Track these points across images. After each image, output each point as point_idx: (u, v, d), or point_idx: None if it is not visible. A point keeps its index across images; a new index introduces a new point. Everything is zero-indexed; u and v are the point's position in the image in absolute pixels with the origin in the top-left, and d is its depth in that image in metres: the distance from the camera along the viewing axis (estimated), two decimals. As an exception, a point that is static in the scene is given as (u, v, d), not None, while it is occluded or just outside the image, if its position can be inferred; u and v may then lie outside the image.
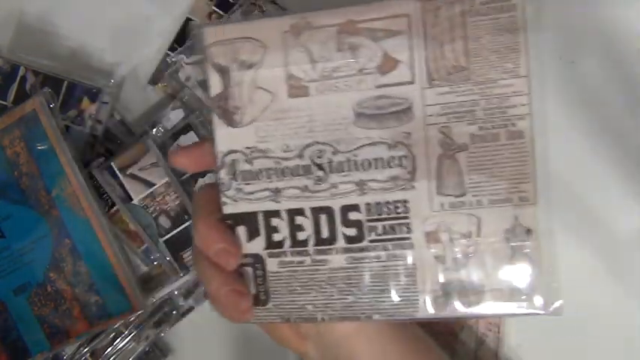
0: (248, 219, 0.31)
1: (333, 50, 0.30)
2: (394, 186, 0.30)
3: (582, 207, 0.45)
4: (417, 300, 0.30)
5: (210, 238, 0.31)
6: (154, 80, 0.49)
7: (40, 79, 0.48)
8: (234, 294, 0.31)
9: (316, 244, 0.31)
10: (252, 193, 0.31)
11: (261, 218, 0.31)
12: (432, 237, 0.30)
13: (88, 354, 0.48)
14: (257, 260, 0.31)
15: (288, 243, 0.31)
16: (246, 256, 0.31)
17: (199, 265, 0.32)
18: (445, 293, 0.30)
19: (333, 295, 0.31)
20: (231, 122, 0.31)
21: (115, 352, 0.48)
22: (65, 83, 0.48)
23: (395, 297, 0.30)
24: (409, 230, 0.30)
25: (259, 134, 0.31)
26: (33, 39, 0.50)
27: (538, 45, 0.29)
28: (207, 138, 0.33)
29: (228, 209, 0.31)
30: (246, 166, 0.31)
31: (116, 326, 0.47)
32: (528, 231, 0.30)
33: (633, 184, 0.44)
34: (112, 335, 0.48)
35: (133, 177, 0.47)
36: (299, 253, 0.31)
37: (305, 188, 0.31)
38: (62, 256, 0.46)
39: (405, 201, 0.30)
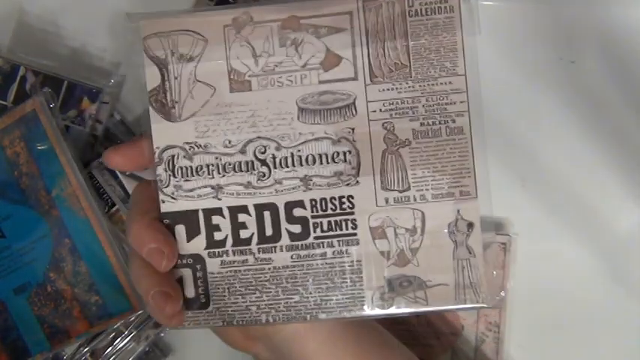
0: (187, 217, 0.30)
1: (276, 45, 0.30)
2: (339, 181, 0.30)
3: (582, 207, 0.45)
4: (364, 297, 0.30)
5: (144, 237, 0.29)
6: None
7: (40, 79, 0.48)
8: (162, 297, 0.29)
9: (260, 243, 0.30)
10: (192, 190, 0.30)
11: (201, 216, 0.30)
12: (377, 232, 0.30)
13: (88, 354, 0.48)
14: (197, 261, 0.31)
15: (230, 242, 0.30)
16: (185, 256, 0.31)
17: (132, 265, 0.31)
18: (391, 289, 0.30)
19: (277, 295, 0.30)
20: (169, 116, 0.31)
21: (115, 352, 0.48)
22: (65, 83, 0.48)
23: (341, 295, 0.30)
24: (355, 226, 0.30)
25: (199, 129, 0.30)
26: (33, 39, 0.50)
27: (474, 45, 0.30)
28: (143, 135, 0.32)
29: (166, 207, 0.30)
30: (186, 162, 0.30)
31: (116, 326, 0.47)
32: (470, 224, 0.30)
33: (633, 184, 0.44)
34: (112, 335, 0.48)
35: (133, 177, 0.47)
36: (242, 252, 0.30)
37: (248, 184, 0.30)
38: (62, 256, 0.46)
39: (350, 196, 0.30)
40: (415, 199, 0.30)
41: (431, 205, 0.30)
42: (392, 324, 0.37)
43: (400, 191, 0.30)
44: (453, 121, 0.30)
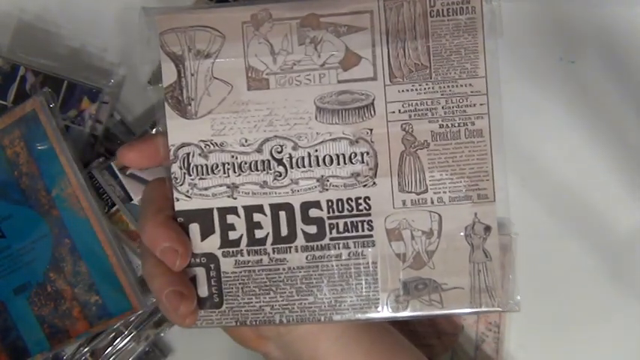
0: (202, 216, 0.30)
1: (295, 43, 0.30)
2: (356, 182, 0.30)
3: (582, 207, 0.45)
4: (378, 299, 0.30)
5: (158, 236, 0.29)
6: (154, 80, 0.49)
7: (40, 79, 0.48)
8: (176, 296, 0.29)
9: (275, 243, 0.30)
10: (207, 188, 0.30)
11: (216, 215, 0.30)
12: (393, 234, 0.30)
13: (88, 354, 0.48)
14: (211, 260, 0.30)
15: (245, 241, 0.30)
16: (198, 255, 0.30)
17: (145, 264, 0.31)
18: (406, 292, 0.30)
19: (292, 296, 0.30)
20: (184, 114, 0.30)
21: (115, 352, 0.48)
22: (65, 83, 0.48)
23: (355, 296, 0.30)
24: (371, 227, 0.30)
25: (215, 127, 0.30)
26: (33, 39, 0.50)
27: (495, 47, 0.30)
28: (158, 132, 0.31)
29: (180, 205, 0.30)
30: (201, 160, 0.30)
31: (116, 326, 0.47)
32: (487, 228, 0.30)
33: (633, 184, 0.44)
34: (112, 335, 0.48)
35: (133, 177, 0.47)
36: (256, 252, 0.30)
37: (264, 184, 0.30)
38: (62, 256, 0.46)
39: (367, 198, 0.30)
40: (432, 202, 0.30)
41: (448, 207, 0.30)
42: (393, 323, 0.37)
43: (417, 193, 0.30)
44: (473, 124, 0.30)
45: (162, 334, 0.48)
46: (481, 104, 0.30)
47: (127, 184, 0.47)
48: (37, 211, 0.46)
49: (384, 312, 0.30)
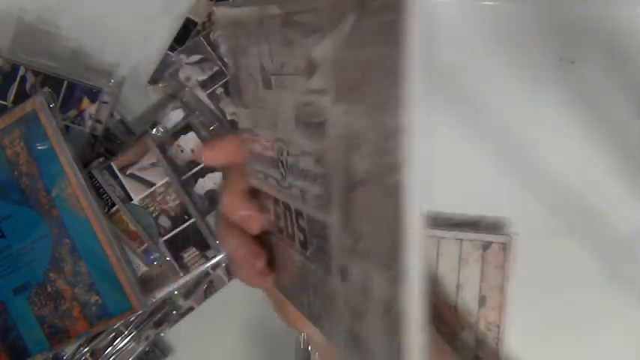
0: (259, 194, 0.32)
1: (280, 44, 0.25)
2: (319, 205, 0.24)
3: (582, 207, 0.45)
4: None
5: (237, 205, 0.33)
6: (154, 80, 0.49)
7: (40, 79, 0.48)
8: (251, 255, 0.32)
9: (286, 236, 0.30)
10: (258, 172, 0.31)
11: (263, 196, 0.32)
12: (344, 273, 0.23)
13: (88, 354, 0.48)
14: (266, 232, 0.32)
15: (276, 226, 0.31)
16: None
17: (222, 229, 0.34)
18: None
19: (301, 286, 0.31)
20: (242, 103, 0.31)
21: (115, 352, 0.48)
22: (65, 83, 0.48)
23: (328, 319, 0.26)
24: (329, 258, 0.24)
25: (253, 119, 0.30)
26: (33, 39, 0.50)
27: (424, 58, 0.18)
28: (235, 131, 0.34)
29: (251, 181, 0.32)
30: (251, 146, 0.31)
31: (116, 326, 0.47)
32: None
33: (633, 184, 0.44)
34: (112, 335, 0.48)
35: (133, 177, 0.47)
36: (280, 239, 0.31)
37: (278, 181, 0.29)
38: (62, 256, 0.46)
39: (325, 225, 0.24)
40: (362, 257, 0.22)
41: (376, 270, 0.21)
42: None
43: (354, 240, 0.22)
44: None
45: (162, 334, 0.48)
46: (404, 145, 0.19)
47: (127, 184, 0.47)
48: (37, 211, 0.46)
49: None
